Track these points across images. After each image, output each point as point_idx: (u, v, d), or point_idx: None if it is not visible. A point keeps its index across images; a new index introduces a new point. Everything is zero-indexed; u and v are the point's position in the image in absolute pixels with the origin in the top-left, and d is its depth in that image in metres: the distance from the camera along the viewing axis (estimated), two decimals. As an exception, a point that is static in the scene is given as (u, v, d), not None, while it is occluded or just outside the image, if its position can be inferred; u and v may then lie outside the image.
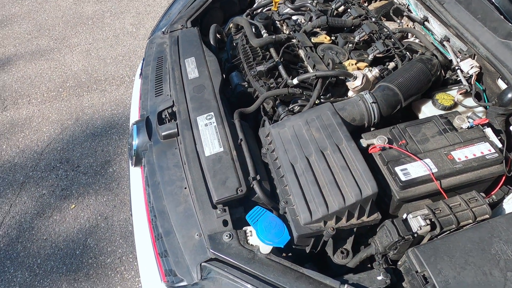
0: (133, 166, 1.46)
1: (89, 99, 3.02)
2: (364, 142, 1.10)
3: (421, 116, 1.27)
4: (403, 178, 0.99)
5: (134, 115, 1.70)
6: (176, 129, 1.35)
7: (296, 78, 1.33)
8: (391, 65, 1.44)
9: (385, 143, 1.07)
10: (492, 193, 1.07)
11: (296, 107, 1.37)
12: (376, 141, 1.09)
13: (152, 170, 1.31)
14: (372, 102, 1.15)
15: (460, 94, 1.23)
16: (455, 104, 1.23)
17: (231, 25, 1.84)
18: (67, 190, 2.42)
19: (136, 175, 1.53)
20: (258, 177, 1.11)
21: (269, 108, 1.44)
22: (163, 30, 1.86)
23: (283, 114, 1.28)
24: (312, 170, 1.05)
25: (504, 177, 1.05)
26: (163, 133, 1.36)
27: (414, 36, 1.54)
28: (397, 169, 1.01)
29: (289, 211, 1.03)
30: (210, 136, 1.23)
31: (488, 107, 1.21)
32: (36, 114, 2.94)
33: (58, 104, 3.00)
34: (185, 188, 1.24)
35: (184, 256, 1.08)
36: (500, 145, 1.07)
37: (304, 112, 1.19)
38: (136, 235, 1.38)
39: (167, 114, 1.43)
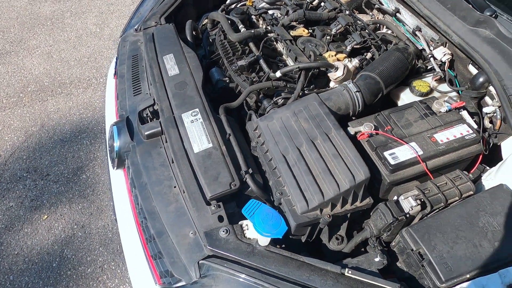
0: (115, 168, 1.40)
1: (54, 103, 2.87)
2: (351, 130, 1.13)
3: (400, 103, 1.32)
4: (392, 162, 1.03)
5: (111, 116, 1.63)
6: (160, 128, 1.31)
7: (279, 71, 1.34)
8: (368, 55, 1.49)
9: (372, 129, 1.10)
10: (471, 171, 1.14)
11: (280, 99, 1.37)
12: (363, 128, 1.12)
13: (138, 171, 1.27)
14: (356, 91, 1.18)
15: (435, 80, 1.29)
16: (431, 90, 1.30)
17: (205, 20, 1.81)
18: (37, 200, 2.28)
19: (118, 177, 1.47)
20: (250, 171, 1.11)
21: (253, 102, 1.44)
22: (135, 27, 1.80)
23: (269, 107, 1.28)
24: (304, 160, 1.07)
25: (481, 156, 1.12)
26: (146, 133, 1.32)
27: (386, 27, 1.60)
28: (386, 154, 1.05)
29: (285, 202, 1.04)
30: (198, 133, 1.21)
31: (461, 91, 1.28)
32: (-4, 122, 2.74)
33: (20, 110, 2.81)
34: (175, 187, 1.21)
35: (180, 256, 1.05)
36: (475, 126, 1.14)
37: (291, 104, 1.20)
38: (123, 240, 1.32)
39: (149, 113, 1.39)
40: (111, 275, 1.97)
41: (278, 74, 1.34)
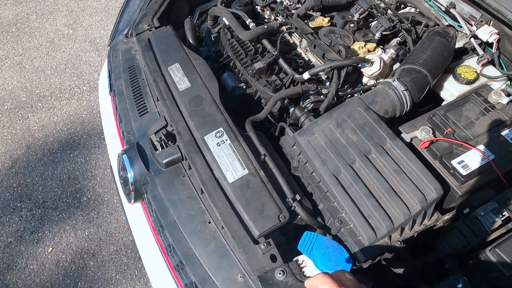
0: (132, 203, 1.23)
1: (37, 120, 2.61)
2: (406, 137, 0.99)
3: (444, 94, 1.19)
4: (463, 172, 0.90)
5: (113, 142, 1.44)
6: (180, 154, 1.14)
7: (307, 72, 1.17)
8: (394, 41, 1.33)
9: (430, 134, 0.97)
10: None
11: (309, 104, 1.22)
12: (420, 133, 0.98)
13: (162, 207, 1.11)
14: (404, 90, 1.03)
15: (482, 65, 1.16)
16: (478, 76, 1.16)
17: (204, 17, 1.60)
18: (38, 232, 2.09)
19: (135, 212, 1.30)
20: (297, 197, 0.96)
21: (277, 110, 1.27)
22: (124, 33, 1.57)
23: (302, 117, 1.12)
24: (361, 179, 0.93)
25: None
26: (164, 161, 1.15)
27: (411, 6, 1.44)
28: (454, 163, 0.92)
29: (347, 232, 0.91)
30: (228, 157, 1.05)
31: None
32: (-25, 149, 2.48)
33: (0, 132, 2.55)
34: (209, 222, 1.06)
35: (233, 306, 0.92)
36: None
37: (332, 112, 1.05)
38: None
39: (162, 136, 1.21)
40: (134, 304, 1.83)
41: (306, 75, 1.18)
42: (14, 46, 3.15)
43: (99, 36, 3.21)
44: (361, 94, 1.18)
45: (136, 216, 1.31)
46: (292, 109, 1.18)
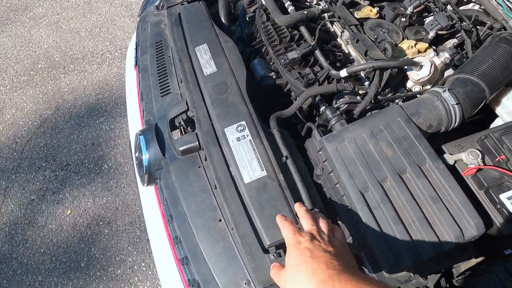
0: (145, 185, 1.19)
1: (68, 82, 2.63)
2: (450, 158, 0.87)
3: (500, 111, 1.04)
4: (512, 209, 0.78)
5: (134, 119, 1.40)
6: (197, 143, 1.08)
7: (345, 70, 1.05)
8: (450, 43, 1.17)
9: (479, 158, 0.84)
10: None
11: (343, 105, 1.10)
12: (466, 157, 0.85)
13: (174, 197, 1.06)
14: (456, 104, 0.90)
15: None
16: (545, 94, 1.00)
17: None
18: (59, 193, 2.14)
19: (148, 194, 1.27)
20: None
21: (306, 106, 1.17)
22: (156, 4, 1.50)
23: (333, 120, 1.01)
24: (390, 201, 0.83)
25: None
26: (181, 148, 1.09)
27: (475, 2, 1.25)
28: (503, 197, 0.80)
29: (366, 256, 0.82)
30: (247, 155, 0.97)
31: None
32: (8, 104, 2.55)
33: (32, 91, 2.60)
34: (220, 220, 1.00)
35: (233, 312, 0.87)
36: None
37: (366, 120, 0.94)
38: (160, 272, 1.15)
39: (182, 121, 1.15)
40: (142, 277, 1.86)
41: (343, 73, 1.06)
42: (53, 4, 3.16)
43: (136, 2, 3.15)
44: (403, 101, 1.05)
45: (148, 198, 1.28)
46: (323, 108, 1.08)
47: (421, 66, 1.02)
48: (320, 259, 0.63)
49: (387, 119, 0.92)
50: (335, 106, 1.10)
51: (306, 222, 0.74)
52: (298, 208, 0.81)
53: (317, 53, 1.17)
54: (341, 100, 1.12)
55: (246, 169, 0.95)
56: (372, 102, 1.04)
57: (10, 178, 2.21)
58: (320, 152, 0.97)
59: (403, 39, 1.13)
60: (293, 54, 1.17)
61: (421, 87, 1.07)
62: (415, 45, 1.09)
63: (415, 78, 1.04)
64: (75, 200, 2.11)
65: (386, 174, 0.85)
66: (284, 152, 0.97)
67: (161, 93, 1.26)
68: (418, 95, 1.04)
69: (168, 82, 1.28)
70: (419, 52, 1.09)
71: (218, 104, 1.08)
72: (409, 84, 1.10)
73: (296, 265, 0.65)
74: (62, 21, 3.02)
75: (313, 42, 1.17)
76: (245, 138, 1.00)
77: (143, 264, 1.90)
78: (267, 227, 0.88)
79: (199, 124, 1.08)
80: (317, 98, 1.13)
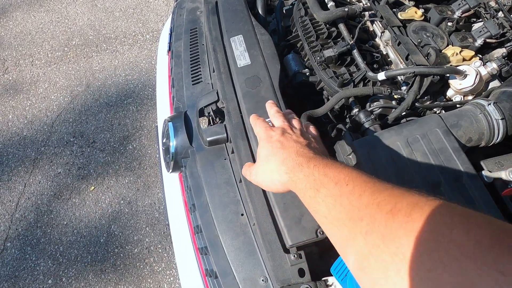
0: (170, 172, 1.21)
1: (100, 61, 2.68)
2: (488, 175, 0.83)
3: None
4: (552, 236, 0.74)
5: (163, 104, 1.41)
6: (226, 135, 1.08)
7: (383, 73, 1.01)
8: (499, 52, 1.11)
9: (521, 179, 0.80)
10: None
11: (377, 109, 1.07)
12: (506, 175, 0.81)
13: (198, 187, 1.07)
14: (500, 119, 0.85)
15: None
16: None
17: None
18: (84, 169, 2.21)
19: (172, 181, 1.29)
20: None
21: (340, 105, 1.14)
22: (193, -10, 1.48)
23: (367, 124, 0.98)
24: (420, 214, 0.80)
25: None
26: (208, 139, 1.09)
27: (529, 9, 1.17)
28: (543, 222, 0.75)
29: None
30: (275, 152, 0.96)
31: None
32: (42, 78, 2.63)
33: (65, 67, 2.67)
34: (242, 214, 1.00)
35: (249, 308, 0.88)
36: None
37: (402, 127, 0.90)
38: (178, 262, 1.17)
39: (211, 111, 1.14)
40: (157, 258, 1.90)
41: (381, 76, 1.02)
42: (90, -18, 3.21)
43: (170, -15, 3.15)
44: (441, 110, 1.01)
45: (172, 184, 1.29)
46: (356, 110, 1.05)
47: (465, 75, 0.97)
48: (290, 149, 0.64)
49: (424, 129, 0.89)
50: (368, 110, 1.07)
51: (277, 119, 0.75)
52: (269, 107, 0.81)
53: (355, 52, 1.13)
54: (375, 103, 1.09)
55: (273, 166, 0.94)
56: (409, 109, 1.00)
57: (39, 150, 2.29)
58: (350, 156, 0.95)
59: (447, 45, 1.08)
60: (329, 52, 1.13)
61: (462, 97, 1.02)
62: (460, 52, 1.04)
63: (457, 87, 0.99)
64: (99, 177, 2.17)
65: (417, 186, 0.82)
66: (313, 152, 0.96)
67: (192, 81, 1.26)
68: (458, 106, 0.99)
69: (200, 71, 1.27)
70: (464, 60, 1.03)
71: (249, 98, 1.07)
72: (449, 93, 1.05)
73: (266, 156, 0.66)
74: (98, -1, 3.07)
75: (352, 41, 1.13)
76: (274, 134, 0.99)
77: (159, 246, 1.94)
78: (290, 227, 0.87)
79: (229, 116, 1.07)
80: (351, 100, 1.10)
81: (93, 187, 2.14)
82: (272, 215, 0.91)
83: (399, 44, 1.06)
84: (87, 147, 2.28)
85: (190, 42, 1.35)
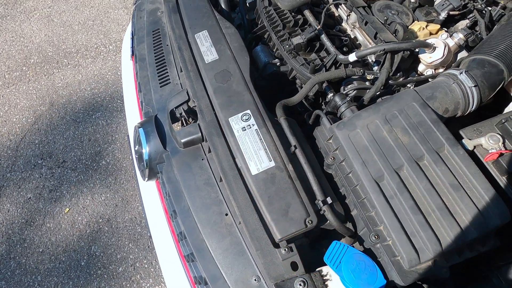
0: (146, 180, 1.14)
1: (62, 77, 2.56)
2: (468, 144, 0.83)
3: (516, 93, 0.99)
4: (537, 195, 0.74)
5: (132, 112, 1.34)
6: (200, 134, 1.03)
7: (353, 54, 1.00)
8: (462, 24, 1.12)
9: (500, 143, 0.80)
10: None
11: (352, 91, 1.05)
12: (486, 141, 0.81)
13: (177, 191, 1.01)
14: (473, 86, 0.85)
15: None
16: None
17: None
18: (56, 191, 2.09)
19: (149, 189, 1.22)
20: (329, 200, 0.84)
21: (314, 92, 1.12)
22: (151, -9, 1.43)
23: (343, 106, 0.97)
24: (407, 190, 0.78)
25: None
26: (183, 140, 1.04)
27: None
28: (527, 183, 0.75)
29: (384, 249, 0.78)
30: (253, 146, 0.92)
31: None
32: (1, 101, 2.48)
33: (25, 87, 2.53)
34: (226, 214, 0.95)
35: (244, 311, 0.83)
36: None
37: (379, 105, 0.89)
38: (164, 272, 1.11)
39: (183, 112, 1.09)
40: (144, 274, 1.82)
41: (352, 57, 1.01)
42: (43, -3, 3.07)
43: (129, -7, 3.06)
44: (415, 85, 1.01)
45: (150, 193, 1.23)
46: (331, 95, 1.03)
47: (434, 48, 0.97)
48: None
49: (401, 104, 0.87)
50: (343, 93, 1.05)
51: None
52: None
53: (323, 37, 1.12)
54: (349, 86, 1.07)
55: (253, 160, 0.90)
56: (383, 87, 0.99)
57: (5, 177, 2.15)
58: (331, 141, 0.92)
59: (413, 21, 1.08)
60: (298, 39, 1.11)
61: (433, 70, 1.02)
62: (426, 26, 1.04)
63: (427, 61, 0.99)
64: (73, 197, 2.05)
65: (402, 162, 0.81)
66: (293, 141, 0.93)
67: (160, 83, 1.20)
68: (431, 79, 0.99)
69: (167, 72, 1.22)
70: (430, 34, 1.04)
71: (221, 93, 1.03)
72: (420, 67, 1.05)
73: None
74: (54, 14, 2.93)
75: (319, 26, 1.12)
76: (250, 127, 0.95)
77: (145, 261, 1.85)
78: (277, 220, 0.84)
79: (202, 114, 1.02)
80: (324, 85, 1.08)
81: (67, 209, 2.02)
82: (258, 211, 0.87)
83: (366, 23, 1.05)
84: (57, 168, 2.16)
85: (154, 44, 1.30)
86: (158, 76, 1.22)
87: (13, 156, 2.23)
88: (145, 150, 1.08)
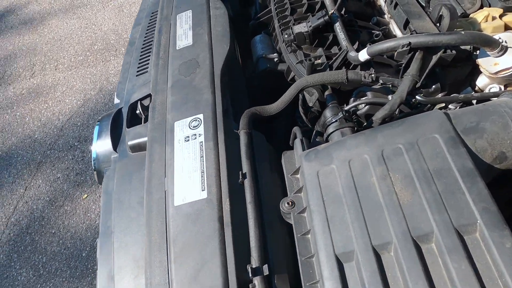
0: (98, 183, 0.96)
1: (116, 64, 2.61)
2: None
3: None
4: None
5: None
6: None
7: (364, 50, 0.66)
8: None
9: None
10: None
11: (363, 105, 0.71)
12: None
13: (108, 206, 0.80)
14: None
15: None
16: None
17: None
18: (81, 175, 2.08)
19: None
20: (265, 270, 0.52)
21: (314, 101, 0.80)
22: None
23: (331, 126, 0.63)
24: (386, 285, 0.43)
25: None
26: (129, 143, 0.82)
27: None
28: None
29: None
30: (190, 164, 0.65)
31: None
32: (61, 82, 2.62)
33: (84, 71, 2.64)
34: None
35: None
36: None
37: (377, 131, 0.54)
38: None
39: (141, 109, 0.88)
40: (136, 282, 1.66)
41: (363, 55, 0.67)
42: (121, -11, 3.22)
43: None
44: (461, 107, 0.61)
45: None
46: (325, 111, 0.70)
47: (505, 49, 0.57)
48: None
49: (414, 134, 0.51)
50: (348, 107, 0.71)
51: None
52: None
53: (337, 26, 0.79)
54: (363, 98, 0.73)
55: (182, 184, 0.64)
56: (404, 104, 0.63)
57: (45, 154, 2.24)
58: (298, 175, 0.60)
59: (481, 7, 0.68)
60: (300, 27, 0.80)
61: (501, 87, 0.61)
62: (500, 16, 0.63)
63: (490, 70, 0.59)
64: (93, 185, 2.03)
65: (390, 237, 0.46)
66: (245, 166, 0.63)
67: (137, 71, 1.01)
68: (492, 100, 0.59)
69: (149, 59, 1.02)
70: (506, 28, 0.63)
71: (178, 89, 0.78)
72: (480, 82, 0.65)
73: None
74: (125, 5, 3.04)
75: (333, 10, 0.79)
76: (195, 138, 0.68)
77: (140, 267, 1.70)
78: (179, 282, 0.55)
79: (153, 113, 0.79)
80: (327, 93, 0.75)
81: (86, 195, 2.00)
82: (168, 256, 0.60)
83: (395, 6, 0.69)
84: (88, 153, 2.17)
85: (148, 26, 1.11)
86: (139, 63, 1.03)
87: (57, 134, 2.32)
88: (94, 149, 0.90)
